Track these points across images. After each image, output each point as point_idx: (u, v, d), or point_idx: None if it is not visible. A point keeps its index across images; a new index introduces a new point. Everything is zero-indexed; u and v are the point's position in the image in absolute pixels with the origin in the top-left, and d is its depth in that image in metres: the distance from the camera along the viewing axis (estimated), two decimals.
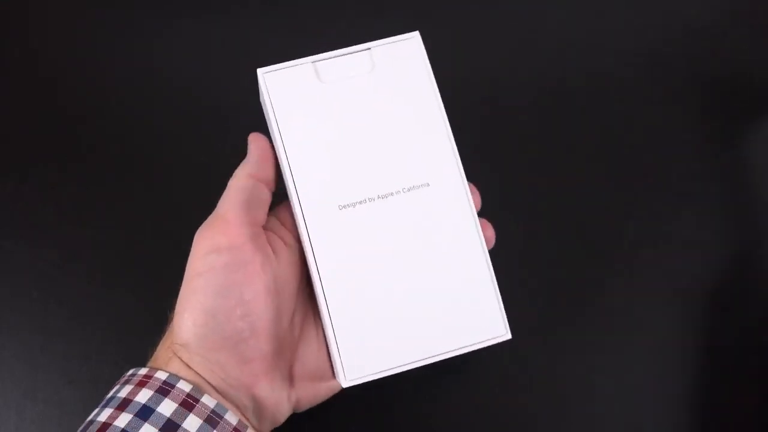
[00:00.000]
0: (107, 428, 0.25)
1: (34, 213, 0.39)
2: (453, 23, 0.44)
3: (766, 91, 0.43)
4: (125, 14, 0.43)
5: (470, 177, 0.30)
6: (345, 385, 0.28)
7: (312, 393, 0.31)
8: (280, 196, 0.31)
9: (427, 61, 0.30)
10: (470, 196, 0.29)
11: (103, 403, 0.27)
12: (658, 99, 0.43)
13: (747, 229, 0.41)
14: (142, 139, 0.41)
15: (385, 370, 0.28)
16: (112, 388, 0.28)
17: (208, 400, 0.27)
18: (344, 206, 0.28)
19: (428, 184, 0.29)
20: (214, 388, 0.28)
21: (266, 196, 0.30)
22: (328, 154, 0.29)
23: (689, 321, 0.39)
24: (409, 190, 0.29)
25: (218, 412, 0.26)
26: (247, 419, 0.28)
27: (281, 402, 0.29)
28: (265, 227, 0.30)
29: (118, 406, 0.26)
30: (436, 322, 0.28)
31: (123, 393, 0.27)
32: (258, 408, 0.29)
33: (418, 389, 0.37)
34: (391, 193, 0.29)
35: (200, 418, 0.26)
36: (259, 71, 0.29)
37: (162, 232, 0.38)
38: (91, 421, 0.26)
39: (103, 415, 0.26)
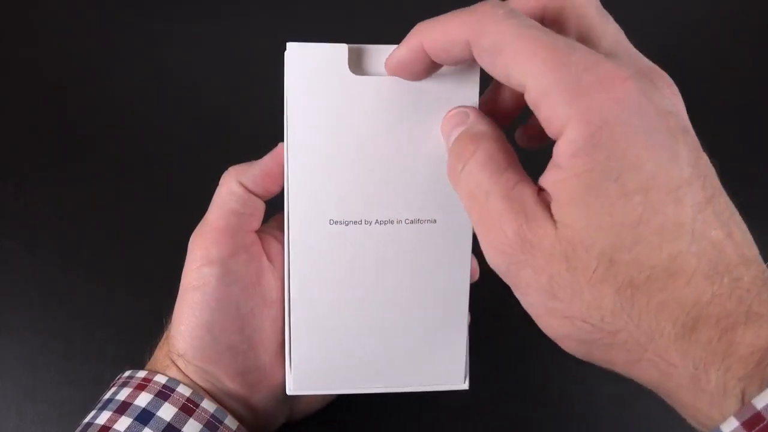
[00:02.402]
0: None
1: (34, 213, 0.39)
2: None
3: (767, 91, 0.43)
4: (125, 14, 0.43)
5: None
6: (289, 393, 0.27)
7: (307, 402, 0.31)
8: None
9: (478, 90, 0.25)
10: (471, 240, 0.26)
11: (100, 405, 0.27)
12: None
13: (747, 228, 0.41)
14: (142, 140, 0.41)
15: (333, 389, 0.27)
16: (108, 390, 0.28)
17: (208, 405, 0.27)
18: (336, 222, 0.26)
19: (435, 221, 0.26)
20: (212, 397, 0.27)
21: (259, 203, 0.29)
22: (337, 158, 0.25)
23: None
24: (412, 222, 0.26)
25: (218, 417, 0.26)
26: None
27: (277, 411, 0.30)
28: (264, 231, 0.30)
29: (117, 409, 0.26)
30: (398, 354, 0.27)
31: (122, 396, 0.27)
32: (253, 417, 0.29)
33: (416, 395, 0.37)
34: (392, 221, 0.26)
35: (200, 422, 0.26)
36: (289, 45, 0.25)
37: (162, 232, 0.38)
38: (89, 424, 0.26)
39: (102, 418, 0.26)
